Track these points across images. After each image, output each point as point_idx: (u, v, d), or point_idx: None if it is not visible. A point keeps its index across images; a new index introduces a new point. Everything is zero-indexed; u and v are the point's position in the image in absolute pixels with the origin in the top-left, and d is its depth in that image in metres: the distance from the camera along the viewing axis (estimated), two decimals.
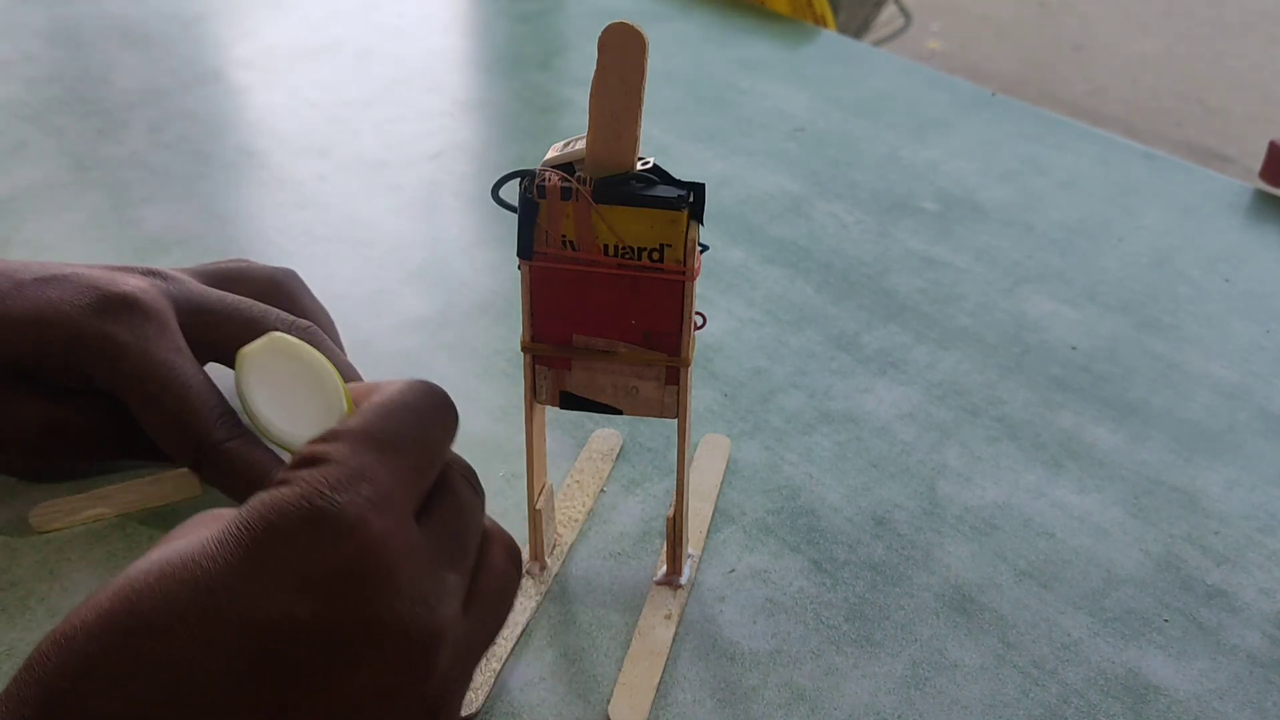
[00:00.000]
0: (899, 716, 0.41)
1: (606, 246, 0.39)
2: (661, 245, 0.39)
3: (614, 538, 0.48)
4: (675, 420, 0.42)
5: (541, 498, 0.44)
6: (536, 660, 0.43)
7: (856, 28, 2.40)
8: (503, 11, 1.00)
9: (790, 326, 0.61)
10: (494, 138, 0.81)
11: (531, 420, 0.43)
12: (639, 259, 0.39)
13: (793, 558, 0.47)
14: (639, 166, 0.39)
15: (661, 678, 0.42)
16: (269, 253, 0.66)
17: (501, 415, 0.54)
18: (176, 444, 0.46)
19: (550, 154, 0.40)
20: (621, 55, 0.37)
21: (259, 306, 0.50)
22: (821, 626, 0.44)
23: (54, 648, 0.29)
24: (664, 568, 0.46)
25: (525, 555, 0.46)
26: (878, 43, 2.54)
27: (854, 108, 0.84)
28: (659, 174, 0.39)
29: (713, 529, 0.49)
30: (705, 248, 0.40)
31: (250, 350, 0.35)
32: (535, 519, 0.44)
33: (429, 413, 0.34)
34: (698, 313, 0.40)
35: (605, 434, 0.53)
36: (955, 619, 0.45)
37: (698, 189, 0.39)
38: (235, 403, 0.49)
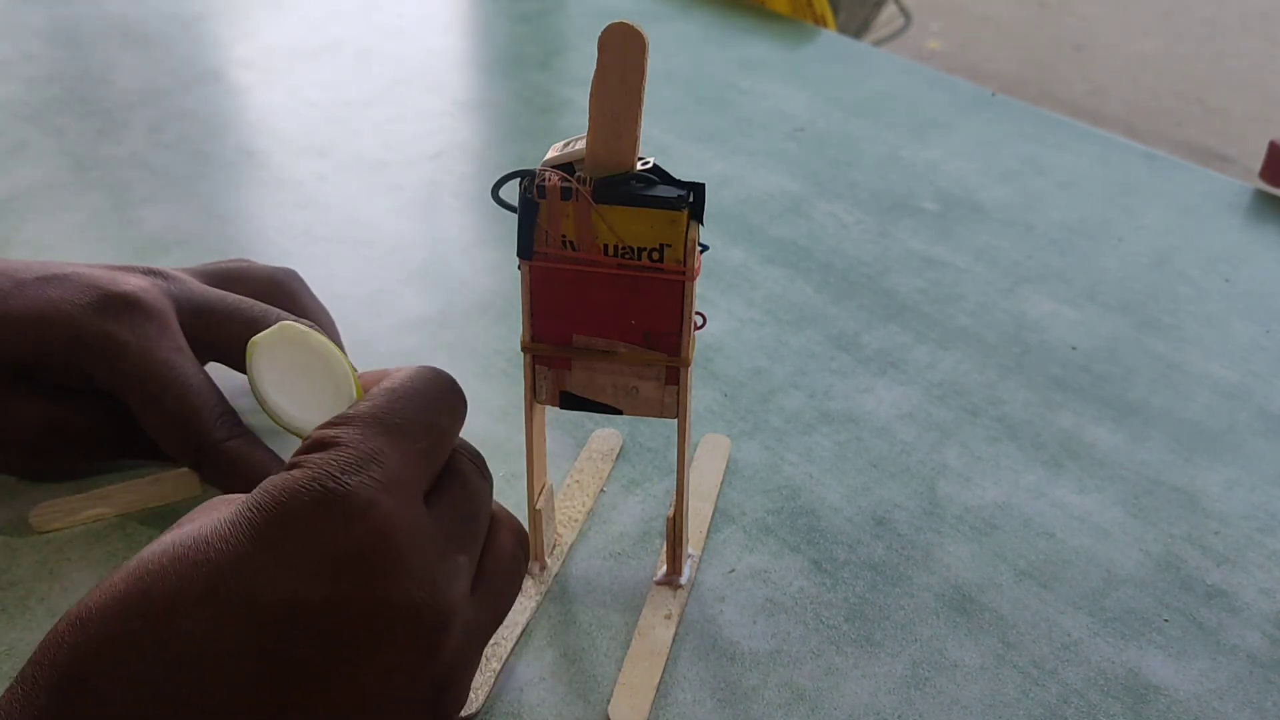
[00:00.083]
0: (899, 716, 0.41)
1: (606, 246, 0.39)
2: (661, 245, 0.39)
3: (614, 538, 0.48)
4: (675, 420, 0.42)
5: (541, 498, 0.44)
6: (536, 660, 0.43)
7: (856, 28, 2.40)
8: (503, 11, 1.00)
9: (790, 326, 0.61)
10: (494, 138, 0.81)
11: (531, 420, 0.43)
12: (639, 259, 0.39)
13: (793, 558, 0.47)
14: (639, 166, 0.39)
15: (661, 678, 0.42)
16: (269, 253, 0.66)
17: (501, 415, 0.54)
18: (177, 443, 0.46)
19: (550, 154, 0.40)
20: (621, 55, 0.37)
21: (260, 306, 0.50)
22: (821, 626, 0.44)
23: (68, 630, 0.29)
24: (664, 568, 0.46)
25: None
26: (878, 43, 2.54)
27: (854, 108, 0.84)
28: (659, 174, 0.39)
29: (713, 529, 0.49)
30: (705, 248, 0.40)
31: (261, 339, 0.36)
32: (535, 519, 0.45)
33: (437, 398, 0.35)
34: (698, 313, 0.40)
35: (605, 434, 0.53)
36: (955, 619, 0.45)
37: (698, 189, 0.39)
38: (237, 402, 0.49)
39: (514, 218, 0.40)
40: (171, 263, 0.63)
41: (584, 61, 0.91)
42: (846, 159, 0.77)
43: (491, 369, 0.57)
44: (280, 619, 0.29)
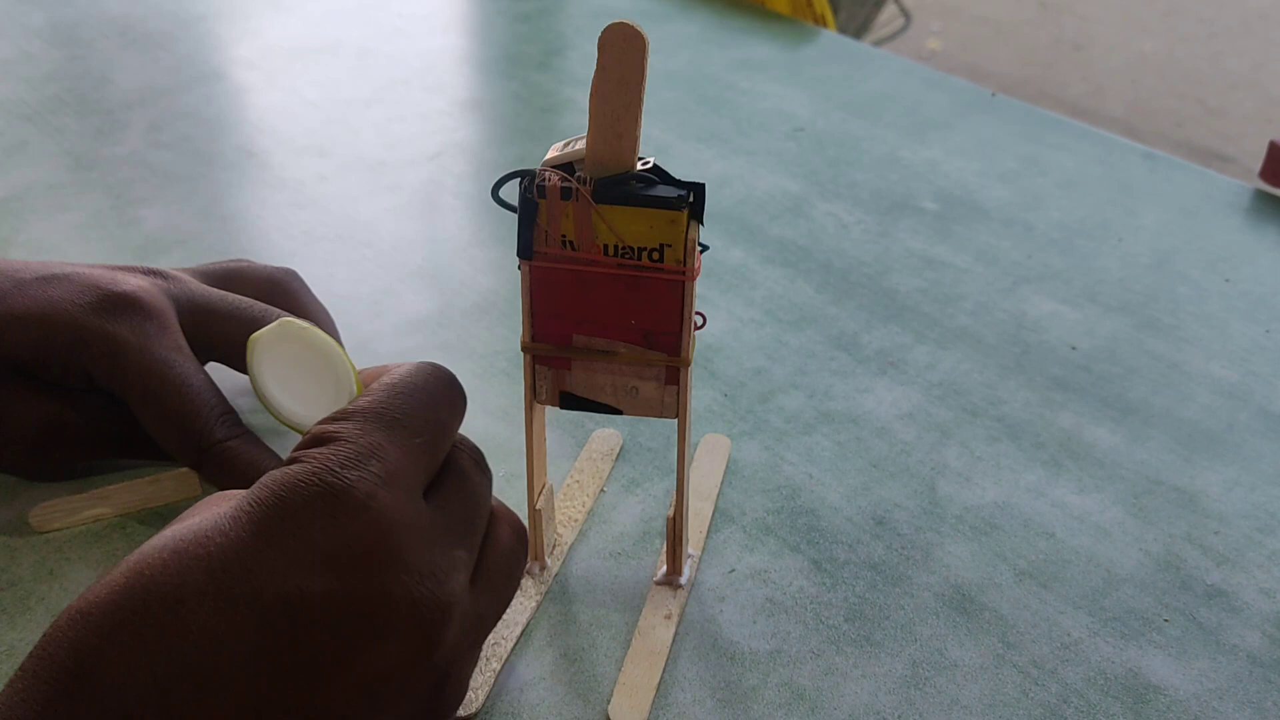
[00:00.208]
0: (899, 716, 0.41)
1: (606, 246, 0.39)
2: (661, 245, 0.39)
3: (614, 538, 0.48)
4: (675, 420, 0.42)
5: (541, 498, 0.44)
6: (536, 660, 0.43)
7: (856, 28, 2.40)
8: (502, 11, 1.00)
9: (790, 326, 0.61)
10: (494, 138, 0.81)
11: (531, 420, 0.43)
12: (639, 259, 0.39)
13: (793, 558, 0.47)
14: (639, 166, 0.39)
15: (661, 678, 0.42)
16: (269, 253, 0.66)
17: (501, 415, 0.54)
18: (177, 443, 0.46)
19: (550, 154, 0.40)
20: (621, 55, 0.37)
21: (259, 306, 0.50)
22: (821, 626, 0.44)
23: (69, 624, 0.30)
24: (664, 568, 0.46)
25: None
26: (877, 43, 2.54)
27: (854, 108, 0.84)
28: (659, 174, 0.39)
29: (713, 529, 0.49)
30: (705, 248, 0.40)
31: (261, 335, 0.36)
32: (535, 519, 0.44)
33: (437, 393, 0.35)
34: (698, 313, 0.40)
35: (605, 434, 0.53)
36: (955, 619, 0.45)
37: (698, 189, 0.39)
38: (236, 402, 0.49)
39: (514, 217, 0.40)
40: (171, 263, 0.63)
41: (584, 61, 0.91)
42: (846, 159, 0.77)
43: (491, 369, 0.57)
44: (280, 612, 0.29)
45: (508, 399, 0.55)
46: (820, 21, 1.00)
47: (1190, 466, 0.53)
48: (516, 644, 0.43)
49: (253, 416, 0.51)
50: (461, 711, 0.40)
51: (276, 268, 0.54)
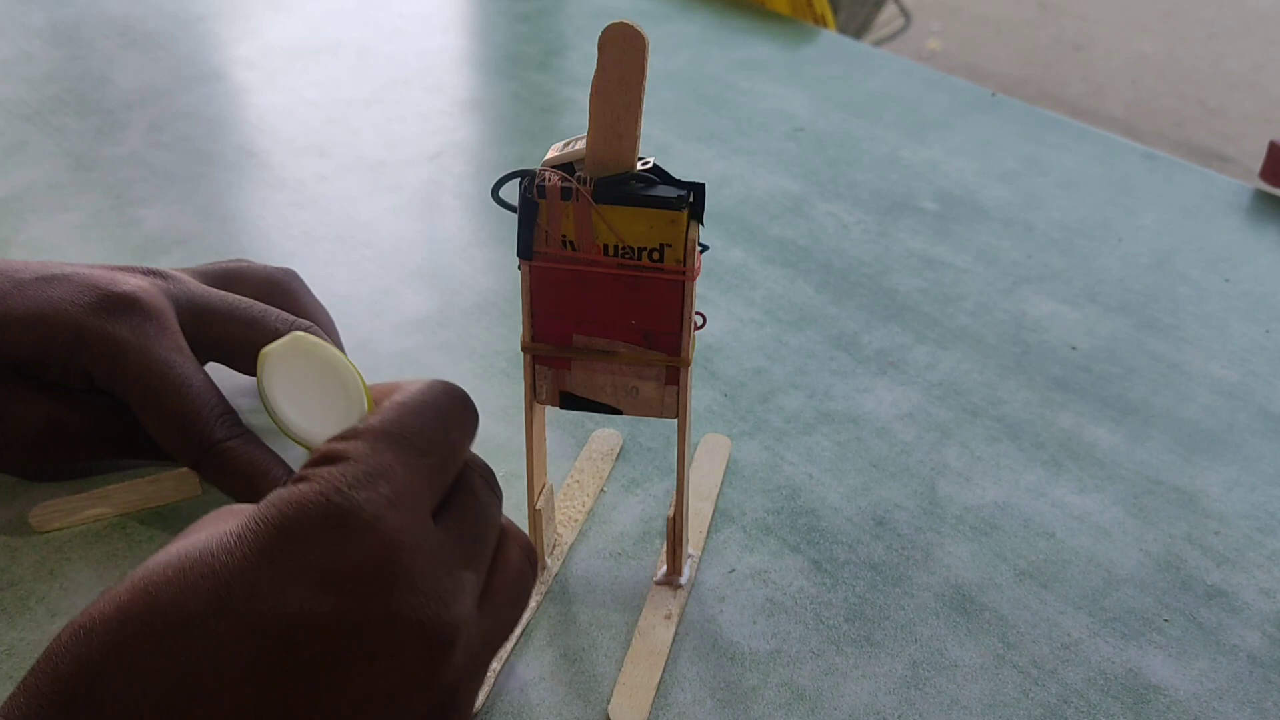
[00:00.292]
0: (899, 716, 0.41)
1: (606, 246, 0.39)
2: (661, 245, 0.39)
3: (614, 538, 0.48)
4: (675, 420, 0.42)
5: (541, 498, 0.44)
6: (536, 660, 0.43)
7: (856, 28, 2.40)
8: (502, 11, 1.00)
9: (790, 326, 0.61)
10: (494, 138, 0.81)
11: (531, 420, 0.43)
12: (639, 259, 0.39)
13: (793, 558, 0.47)
14: (639, 166, 0.39)
15: (661, 678, 0.42)
16: (269, 253, 0.66)
17: (501, 415, 0.54)
18: (177, 443, 0.46)
19: (550, 154, 0.40)
20: (621, 55, 0.37)
21: (259, 306, 0.50)
22: (821, 626, 0.44)
23: (71, 639, 0.29)
24: (664, 568, 0.46)
25: None
26: (877, 43, 2.54)
27: (854, 108, 0.84)
28: (659, 174, 0.39)
29: (713, 529, 0.49)
30: (705, 248, 0.40)
31: (272, 349, 0.36)
32: (535, 519, 0.44)
33: (449, 412, 0.35)
34: (698, 313, 0.40)
35: (605, 434, 0.53)
36: (955, 619, 0.45)
37: (698, 189, 0.39)
38: (236, 402, 0.49)
39: (514, 218, 0.40)
40: (171, 263, 0.63)
41: (584, 61, 0.91)
42: (846, 159, 0.77)
43: (491, 369, 0.57)
44: (285, 633, 0.29)
45: (508, 399, 0.55)
46: (820, 21, 1.00)
47: (1190, 466, 0.53)
48: (516, 644, 0.43)
49: (252, 417, 0.51)
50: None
51: (276, 268, 0.54)
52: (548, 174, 0.39)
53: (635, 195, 0.38)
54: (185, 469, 0.49)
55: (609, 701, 0.41)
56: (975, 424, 0.55)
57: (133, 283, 0.47)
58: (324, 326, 0.54)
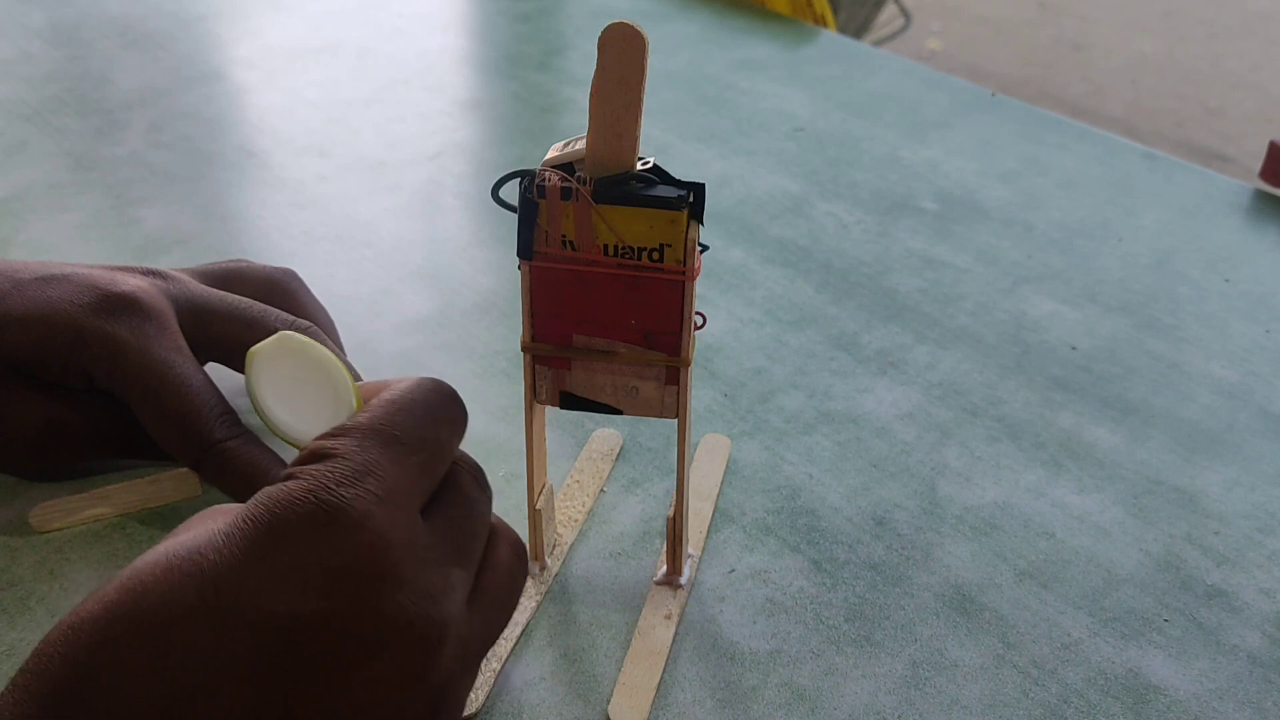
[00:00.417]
0: (899, 716, 0.41)
1: (606, 246, 0.39)
2: (661, 245, 0.39)
3: (614, 538, 0.48)
4: (675, 420, 0.42)
5: (541, 498, 0.44)
6: (536, 660, 0.43)
7: (856, 28, 2.40)
8: (502, 11, 1.00)
9: (790, 326, 0.61)
10: (494, 138, 0.81)
11: (531, 420, 0.43)
12: (639, 259, 0.39)
13: (793, 558, 0.47)
14: (639, 166, 0.39)
15: (661, 678, 0.42)
16: (269, 253, 0.66)
17: (501, 415, 0.54)
18: (177, 443, 0.46)
19: (550, 154, 0.40)
20: (621, 55, 0.37)
21: (259, 306, 0.50)
22: (821, 626, 0.44)
23: (60, 639, 0.29)
24: (664, 568, 0.46)
25: None
26: (877, 43, 2.54)
27: (854, 108, 0.84)
28: (659, 174, 0.39)
29: (713, 529, 0.49)
30: (705, 248, 0.40)
31: (260, 348, 0.36)
32: (535, 519, 0.44)
33: (438, 410, 0.35)
34: (698, 313, 0.40)
35: (605, 434, 0.53)
36: (955, 619, 0.45)
37: (698, 189, 0.39)
38: (236, 402, 0.49)
39: (514, 218, 0.40)
40: (171, 263, 0.63)
41: (584, 61, 0.91)
42: (846, 159, 0.77)
43: (491, 369, 0.57)
44: (273, 631, 0.29)
45: (508, 399, 0.55)
46: (820, 21, 1.00)
47: (1190, 466, 0.53)
48: (516, 644, 0.43)
49: (252, 417, 0.51)
50: (463, 711, 0.40)
51: (276, 268, 0.54)
52: (548, 174, 0.39)
53: (635, 195, 0.38)
54: (185, 469, 0.49)
55: (609, 701, 0.41)
56: (975, 424, 0.55)
57: (132, 283, 0.47)
58: (324, 327, 0.54)
